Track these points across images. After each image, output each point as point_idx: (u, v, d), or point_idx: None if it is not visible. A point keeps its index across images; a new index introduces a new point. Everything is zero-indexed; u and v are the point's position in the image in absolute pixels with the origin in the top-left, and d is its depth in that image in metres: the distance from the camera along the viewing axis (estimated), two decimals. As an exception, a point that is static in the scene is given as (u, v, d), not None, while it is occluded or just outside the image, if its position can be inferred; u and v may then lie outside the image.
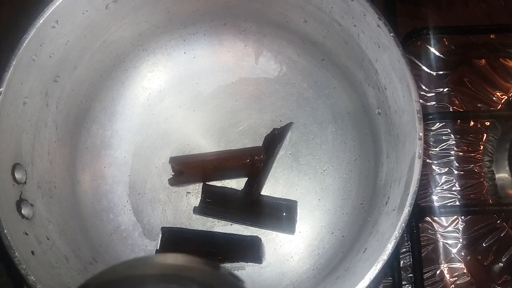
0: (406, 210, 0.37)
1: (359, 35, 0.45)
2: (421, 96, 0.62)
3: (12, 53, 0.42)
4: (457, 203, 0.60)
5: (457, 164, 0.61)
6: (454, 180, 0.60)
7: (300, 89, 0.57)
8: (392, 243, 0.36)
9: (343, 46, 0.49)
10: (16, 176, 0.42)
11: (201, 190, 0.55)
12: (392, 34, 0.40)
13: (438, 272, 0.58)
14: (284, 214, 0.54)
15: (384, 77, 0.44)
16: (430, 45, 0.64)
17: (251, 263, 0.53)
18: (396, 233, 0.36)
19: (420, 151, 0.37)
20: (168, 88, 0.58)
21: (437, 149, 0.61)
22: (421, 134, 0.38)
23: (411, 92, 0.39)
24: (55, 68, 0.47)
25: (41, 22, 0.43)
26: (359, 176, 0.54)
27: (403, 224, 0.36)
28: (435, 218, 0.59)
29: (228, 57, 0.58)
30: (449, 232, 0.59)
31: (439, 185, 0.60)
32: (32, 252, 0.40)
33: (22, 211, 0.42)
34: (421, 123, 0.38)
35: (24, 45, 0.42)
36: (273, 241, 0.54)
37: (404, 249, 0.58)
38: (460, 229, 0.59)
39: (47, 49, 0.45)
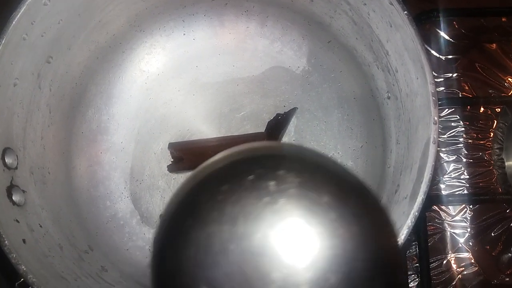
0: (420, 198, 0.35)
1: (369, 14, 0.42)
2: (430, 81, 0.60)
3: (1, 31, 0.39)
4: (466, 191, 0.58)
5: (465, 152, 0.59)
6: (463, 168, 0.59)
7: (304, 73, 0.55)
8: (405, 232, 0.34)
9: (351, 27, 0.47)
10: (6, 161, 0.40)
11: (201, 177, 0.53)
12: (405, 12, 0.38)
13: (444, 262, 0.56)
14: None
15: (396, 58, 0.41)
16: (439, 29, 0.62)
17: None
18: (409, 222, 0.34)
19: (435, 136, 0.35)
20: (166, 71, 0.56)
21: (445, 136, 0.59)
22: (436, 118, 0.35)
23: (425, 74, 0.37)
24: (47, 48, 0.44)
25: (32, -2, 0.41)
26: (365, 163, 0.52)
27: (417, 213, 0.35)
28: (443, 207, 0.58)
29: (230, 39, 0.56)
30: (457, 222, 0.57)
31: (447, 173, 0.59)
32: (24, 241, 0.38)
33: (13, 198, 0.39)
34: (436, 107, 0.36)
35: (14, 22, 0.40)
36: (275, 230, 0.52)
37: (410, 238, 0.56)
38: (468, 218, 0.57)
39: (38, 28, 0.42)
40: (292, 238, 0.21)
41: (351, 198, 0.22)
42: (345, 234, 0.21)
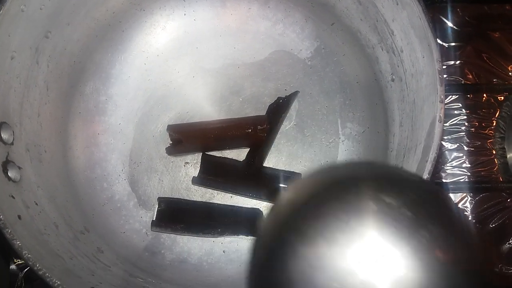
0: (425, 177, 0.34)
1: (375, -7, 0.42)
2: (433, 68, 0.59)
3: (-1, 1, 0.38)
4: (467, 180, 0.57)
5: (467, 140, 0.58)
6: (464, 157, 0.58)
7: (307, 56, 0.54)
8: (409, 212, 0.33)
9: (356, 7, 0.46)
10: (2, 135, 0.39)
11: (200, 160, 0.52)
12: (413, -11, 0.37)
13: (444, 251, 0.56)
14: (287, 186, 0.51)
15: (402, 38, 0.41)
16: (443, 16, 0.61)
17: (252, 237, 0.50)
18: (413, 201, 0.34)
19: (441, 115, 0.34)
20: (166, 52, 0.55)
21: (447, 124, 0.59)
22: (442, 96, 0.35)
23: (432, 51, 0.36)
24: (46, 22, 0.43)
25: (31, -31, 0.40)
26: (367, 148, 0.51)
27: (421, 192, 0.34)
28: (443, 195, 0.57)
29: (231, 21, 0.55)
30: (457, 211, 0.57)
31: (449, 161, 0.58)
32: (19, 217, 0.37)
33: (8, 173, 0.38)
34: (443, 85, 0.35)
35: (12, -7, 0.39)
36: (275, 214, 0.51)
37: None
38: (469, 207, 0.57)
39: (37, 0, 0.41)
40: (382, 256, 0.20)
41: (448, 219, 0.21)
42: (439, 257, 0.20)
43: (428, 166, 0.34)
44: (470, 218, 0.56)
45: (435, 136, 0.34)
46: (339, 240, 0.21)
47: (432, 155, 0.34)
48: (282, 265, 0.21)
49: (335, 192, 0.22)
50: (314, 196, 0.23)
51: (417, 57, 0.39)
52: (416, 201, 0.21)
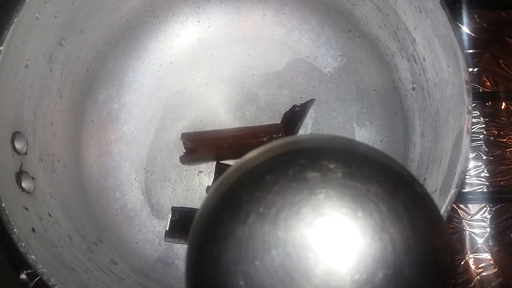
0: (452, 191, 0.33)
1: (397, 0, 0.41)
2: (450, 76, 0.58)
3: (14, 8, 0.38)
4: (485, 190, 0.56)
5: (486, 149, 0.57)
6: (483, 166, 0.57)
7: (322, 63, 0.53)
8: (436, 227, 0.32)
9: (375, 14, 0.45)
10: (16, 145, 0.38)
11: (214, 169, 0.51)
12: (438, -4, 0.36)
13: (462, 262, 0.55)
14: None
15: (424, 46, 0.40)
16: (459, 22, 0.60)
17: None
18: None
19: (469, 127, 0.33)
20: (180, 59, 0.54)
21: (465, 133, 0.57)
22: (470, 107, 0.34)
23: (458, 61, 0.35)
24: (60, 30, 0.43)
25: (46, -24, 0.39)
26: (385, 157, 0.50)
27: (449, 207, 0.33)
28: (461, 205, 0.56)
29: (246, 28, 0.54)
30: (476, 221, 0.56)
31: (467, 170, 0.57)
32: (33, 229, 0.36)
33: (22, 184, 0.38)
34: (470, 95, 0.34)
35: (27, 0, 0.38)
36: (291, 225, 0.50)
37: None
38: (488, 217, 0.56)
39: (52, 8, 0.41)
40: (337, 230, 0.19)
41: (401, 189, 0.20)
42: (393, 227, 0.19)
43: (456, 179, 0.33)
44: (489, 229, 0.55)
45: (463, 148, 0.33)
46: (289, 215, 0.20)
47: (460, 168, 0.33)
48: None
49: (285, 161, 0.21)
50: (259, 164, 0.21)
51: (441, 66, 0.38)
52: (379, 178, 0.20)
